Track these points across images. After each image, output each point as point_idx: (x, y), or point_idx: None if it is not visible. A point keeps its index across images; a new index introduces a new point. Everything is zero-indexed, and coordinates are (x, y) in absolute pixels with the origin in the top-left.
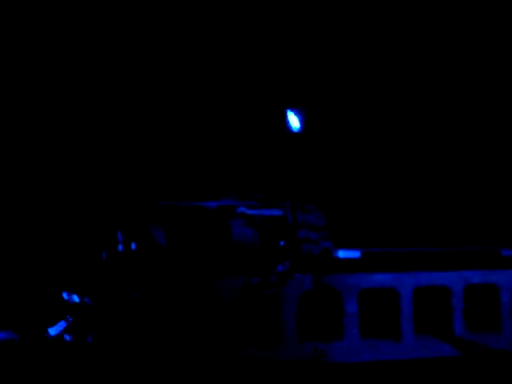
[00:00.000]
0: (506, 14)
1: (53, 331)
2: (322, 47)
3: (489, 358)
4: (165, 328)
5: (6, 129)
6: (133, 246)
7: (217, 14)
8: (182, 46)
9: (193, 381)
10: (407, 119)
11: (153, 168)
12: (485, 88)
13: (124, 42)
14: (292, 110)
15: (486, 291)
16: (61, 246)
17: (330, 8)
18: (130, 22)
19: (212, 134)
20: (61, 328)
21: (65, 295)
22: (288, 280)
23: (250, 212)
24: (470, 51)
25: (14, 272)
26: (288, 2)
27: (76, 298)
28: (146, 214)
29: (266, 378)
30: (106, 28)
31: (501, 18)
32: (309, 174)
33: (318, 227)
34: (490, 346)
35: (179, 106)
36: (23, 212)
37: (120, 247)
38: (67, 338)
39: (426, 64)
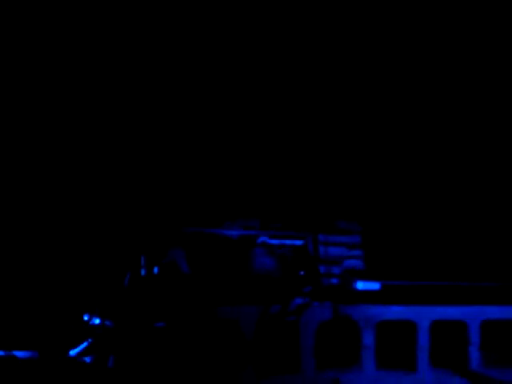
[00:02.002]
0: (506, 14)
1: (73, 352)
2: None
3: None
4: (185, 354)
5: (27, 154)
6: (155, 270)
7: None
8: (205, 72)
9: None
10: (430, 158)
11: (178, 195)
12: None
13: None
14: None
15: (503, 326)
16: (84, 268)
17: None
18: (140, 25)
19: (236, 163)
20: (81, 349)
21: (86, 317)
22: (307, 309)
23: (272, 241)
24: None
25: (38, 294)
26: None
27: (97, 321)
28: (168, 240)
29: None
30: (113, 30)
31: (501, 19)
32: (331, 207)
33: (339, 259)
34: (505, 380)
35: (205, 136)
36: (49, 235)
37: (143, 271)
38: (87, 359)
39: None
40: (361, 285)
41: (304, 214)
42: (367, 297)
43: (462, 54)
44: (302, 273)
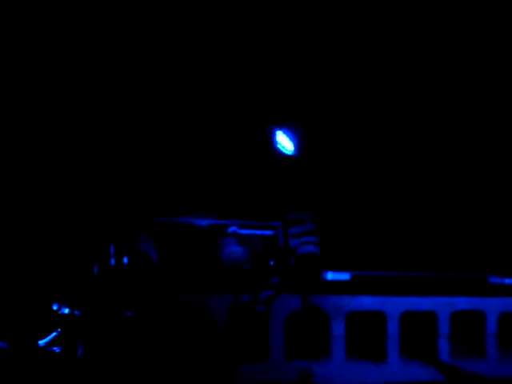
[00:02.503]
0: (506, 14)
1: (42, 342)
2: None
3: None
4: (154, 343)
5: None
6: (125, 260)
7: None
8: (180, 70)
9: None
10: (399, 147)
11: (146, 185)
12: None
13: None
14: (285, 132)
15: (472, 317)
16: (53, 258)
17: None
18: (132, 24)
19: (204, 154)
20: (50, 339)
21: (55, 307)
22: (277, 299)
23: (242, 231)
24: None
25: (6, 283)
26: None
27: (66, 310)
28: (138, 229)
29: None
30: (108, 30)
31: (501, 19)
32: (299, 197)
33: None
34: (474, 371)
35: (174, 126)
36: (16, 224)
37: (112, 261)
38: (56, 349)
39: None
40: (331, 275)
41: (271, 208)
42: (337, 287)
43: (461, 54)
44: (271, 263)
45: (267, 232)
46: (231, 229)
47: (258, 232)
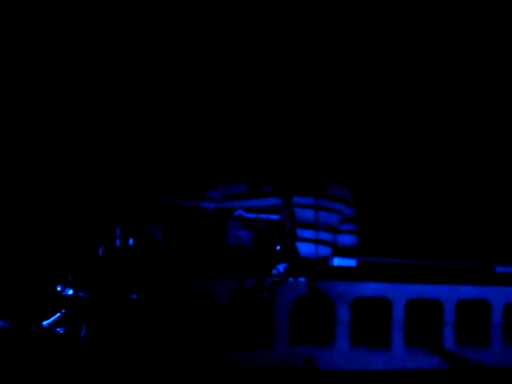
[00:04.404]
0: (506, 14)
1: (46, 323)
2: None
3: (477, 373)
4: (158, 327)
5: (3, 125)
6: (130, 241)
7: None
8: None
9: (182, 381)
10: (407, 132)
11: (153, 165)
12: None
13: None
14: None
15: (477, 306)
16: (57, 238)
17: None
18: (130, 22)
19: (214, 131)
20: (53, 320)
21: (59, 288)
22: (282, 284)
23: (248, 215)
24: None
25: (9, 263)
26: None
27: (70, 291)
28: (145, 211)
29: (256, 381)
30: (106, 27)
31: (501, 19)
32: (307, 179)
33: (331, 227)
34: (478, 360)
35: (180, 104)
36: (19, 204)
37: (118, 242)
38: (60, 330)
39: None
40: (337, 261)
41: (288, 175)
42: (343, 273)
43: (461, 54)
44: (278, 248)
45: (273, 216)
46: (237, 212)
47: (265, 216)
